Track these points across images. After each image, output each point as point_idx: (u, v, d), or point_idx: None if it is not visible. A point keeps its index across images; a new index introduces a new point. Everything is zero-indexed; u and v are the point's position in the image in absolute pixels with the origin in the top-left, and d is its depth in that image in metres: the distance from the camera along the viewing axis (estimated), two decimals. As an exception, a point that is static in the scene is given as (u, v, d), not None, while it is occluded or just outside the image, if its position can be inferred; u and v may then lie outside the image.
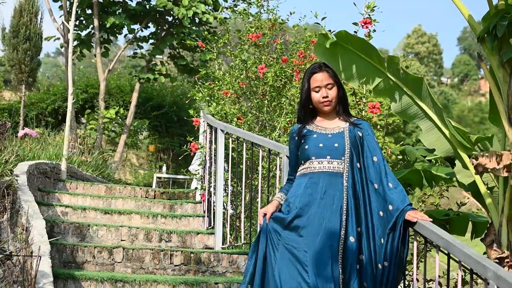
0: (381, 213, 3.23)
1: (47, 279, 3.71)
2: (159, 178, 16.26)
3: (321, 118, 3.49)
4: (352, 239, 3.16)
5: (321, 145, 3.35)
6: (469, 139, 4.06)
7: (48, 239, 4.25)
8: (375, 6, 5.42)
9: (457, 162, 4.18)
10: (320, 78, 3.41)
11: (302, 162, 3.41)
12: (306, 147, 3.38)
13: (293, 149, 3.51)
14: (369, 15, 5.40)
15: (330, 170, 3.28)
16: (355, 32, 5.22)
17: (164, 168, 17.12)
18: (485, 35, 3.65)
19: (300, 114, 3.54)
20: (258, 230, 3.49)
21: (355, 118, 3.50)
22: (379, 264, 3.17)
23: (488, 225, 3.94)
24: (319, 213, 3.20)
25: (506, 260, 3.60)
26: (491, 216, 3.90)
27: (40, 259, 3.75)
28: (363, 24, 5.29)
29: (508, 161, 3.28)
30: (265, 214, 3.41)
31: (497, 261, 3.64)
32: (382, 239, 3.19)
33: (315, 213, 3.21)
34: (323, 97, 3.40)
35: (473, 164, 3.46)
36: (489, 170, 3.39)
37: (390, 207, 3.20)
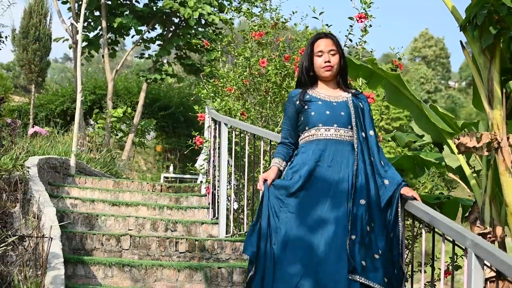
0: None
1: (58, 260, 3.85)
2: (166, 178, 16.44)
3: (322, 85, 3.50)
4: (362, 201, 3.17)
5: (328, 112, 3.35)
6: (456, 125, 4.24)
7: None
8: (372, 2, 5.53)
9: (445, 147, 4.37)
10: (323, 44, 3.43)
11: (307, 128, 3.39)
12: (313, 113, 3.38)
13: (292, 113, 3.49)
14: (364, 10, 5.50)
15: (337, 138, 3.30)
16: (351, 26, 5.36)
17: (171, 168, 17.29)
18: (467, 24, 3.80)
19: (300, 78, 3.53)
20: (261, 195, 3.45)
21: (355, 90, 3.55)
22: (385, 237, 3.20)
23: (473, 204, 4.12)
24: (326, 181, 3.21)
25: (488, 236, 3.78)
26: (475, 196, 4.07)
27: (51, 241, 3.91)
28: (358, 19, 5.39)
29: (487, 139, 3.45)
30: (265, 180, 3.40)
31: (480, 236, 3.81)
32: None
33: (322, 181, 3.22)
34: (325, 62, 3.41)
35: (455, 143, 3.64)
36: (471, 149, 3.57)
37: (386, 182, 3.26)
